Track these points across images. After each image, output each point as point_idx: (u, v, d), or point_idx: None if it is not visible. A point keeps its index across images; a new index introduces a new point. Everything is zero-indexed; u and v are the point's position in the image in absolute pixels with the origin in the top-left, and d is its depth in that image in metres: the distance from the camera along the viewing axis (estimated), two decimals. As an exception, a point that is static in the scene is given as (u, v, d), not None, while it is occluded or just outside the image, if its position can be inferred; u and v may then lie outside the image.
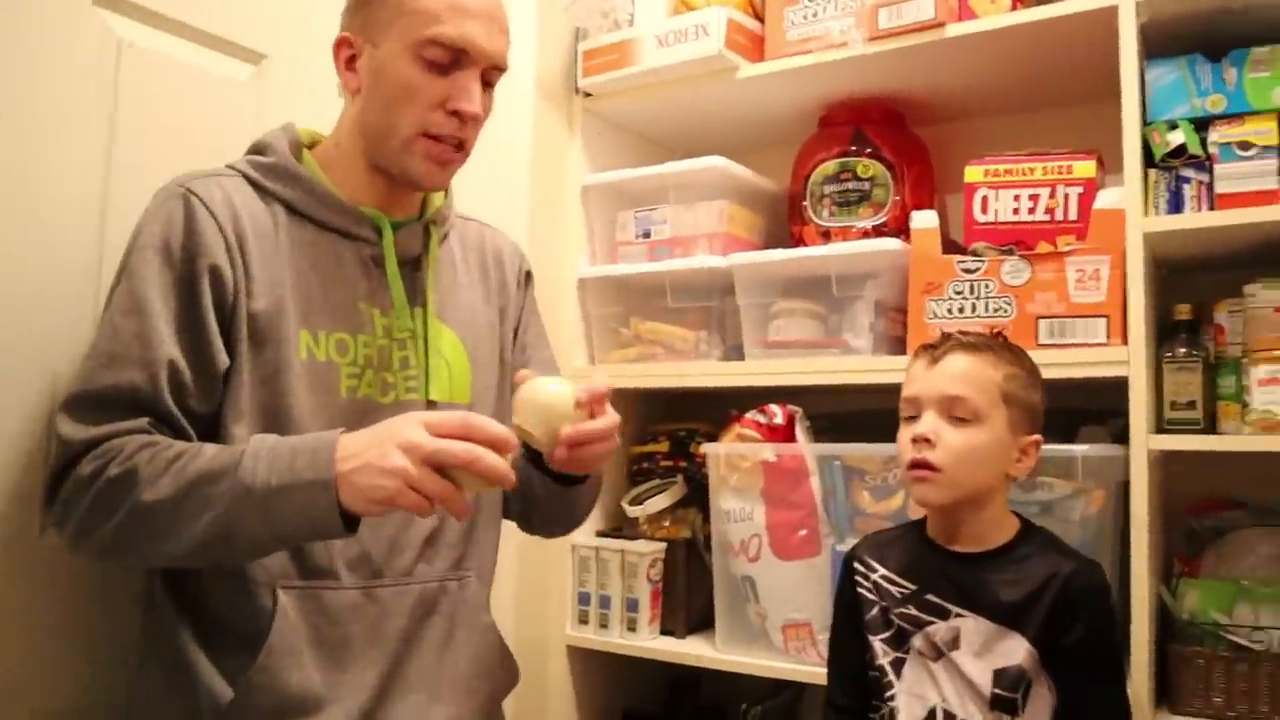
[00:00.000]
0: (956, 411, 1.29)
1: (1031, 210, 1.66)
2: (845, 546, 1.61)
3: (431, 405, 1.24)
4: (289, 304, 1.15)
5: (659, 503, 1.98)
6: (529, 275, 1.46)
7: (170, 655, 1.12)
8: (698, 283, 1.93)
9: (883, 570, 1.37)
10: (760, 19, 1.97)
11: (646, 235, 2.03)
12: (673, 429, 2.11)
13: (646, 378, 1.98)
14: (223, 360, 1.11)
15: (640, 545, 1.93)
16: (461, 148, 1.22)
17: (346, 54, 1.22)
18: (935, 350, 1.34)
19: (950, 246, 1.74)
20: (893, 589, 1.35)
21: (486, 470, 0.98)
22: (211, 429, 1.12)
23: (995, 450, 1.29)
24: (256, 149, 1.25)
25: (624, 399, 2.12)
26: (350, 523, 1.01)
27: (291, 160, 1.22)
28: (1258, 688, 1.43)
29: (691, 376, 1.92)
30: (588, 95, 2.08)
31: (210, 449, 1.05)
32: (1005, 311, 1.63)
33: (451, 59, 1.17)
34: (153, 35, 1.41)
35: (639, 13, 2.07)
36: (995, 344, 1.35)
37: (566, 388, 1.13)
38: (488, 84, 1.22)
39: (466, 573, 1.27)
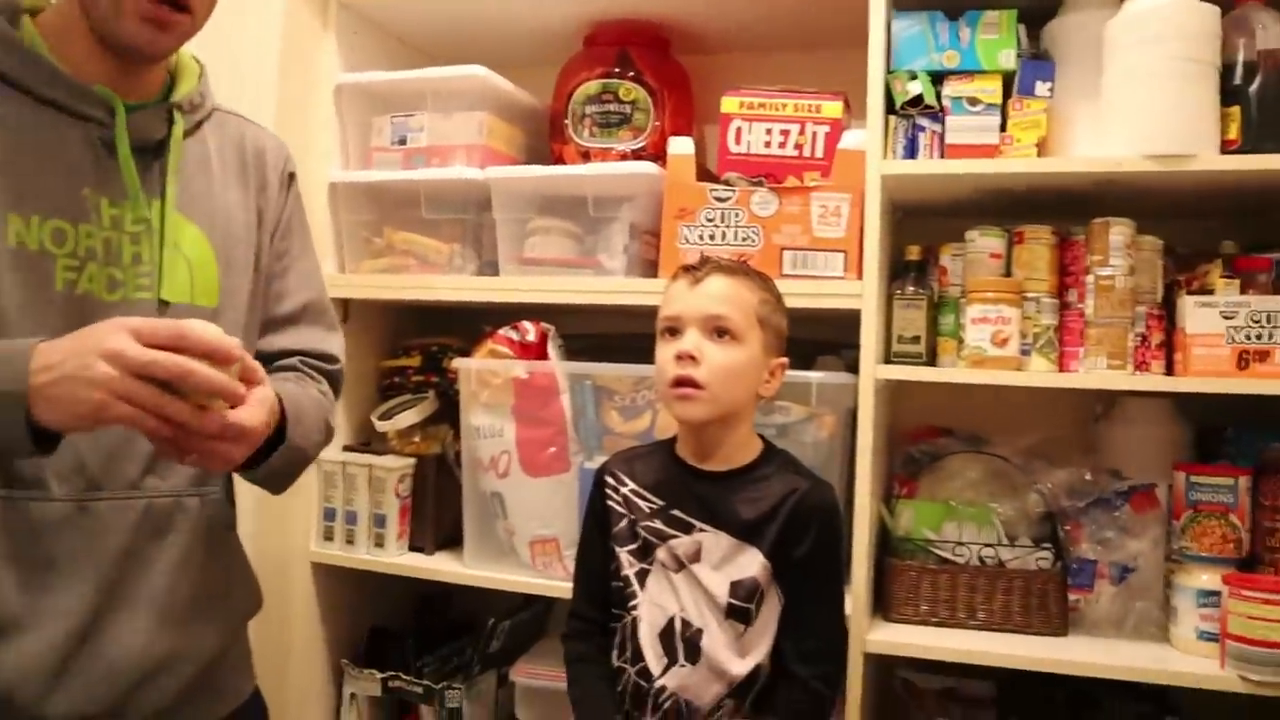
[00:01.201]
0: (719, 329, 1.34)
1: (782, 145, 1.73)
2: (594, 464, 1.65)
3: (164, 306, 1.13)
4: None
5: (409, 418, 1.96)
6: (292, 176, 1.35)
7: None
8: (454, 194, 1.89)
9: (633, 485, 1.42)
10: (528, -74, 1.92)
11: (402, 142, 1.96)
12: (425, 343, 2.07)
13: (398, 289, 1.93)
14: None
15: (389, 460, 1.90)
16: (184, 7, 1.08)
17: None
18: (697, 272, 1.38)
19: (705, 175, 1.79)
20: (641, 503, 1.40)
21: (201, 384, 0.93)
22: None
23: (751, 370, 1.35)
24: None
25: (375, 311, 2.08)
26: (45, 441, 0.93)
27: (5, 25, 1.07)
28: (957, 596, 1.60)
29: (445, 290, 1.89)
30: (344, -11, 1.98)
31: None
32: (753, 241, 1.70)
33: None
34: None
35: (400, -95, 1.98)
36: (749, 269, 1.41)
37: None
38: None
39: (211, 490, 1.19)
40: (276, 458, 1.14)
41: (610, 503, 1.43)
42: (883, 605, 1.65)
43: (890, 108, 1.66)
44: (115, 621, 1.08)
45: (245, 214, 1.25)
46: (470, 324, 1.97)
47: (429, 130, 1.94)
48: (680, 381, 1.33)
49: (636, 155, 1.89)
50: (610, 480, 1.44)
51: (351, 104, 2.00)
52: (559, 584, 1.73)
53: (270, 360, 1.26)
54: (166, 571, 1.13)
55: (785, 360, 1.42)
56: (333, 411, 1.30)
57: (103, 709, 1.07)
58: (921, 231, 1.79)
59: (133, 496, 1.11)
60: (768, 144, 1.74)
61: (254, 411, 1.01)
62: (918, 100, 1.65)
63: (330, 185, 1.96)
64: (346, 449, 1.97)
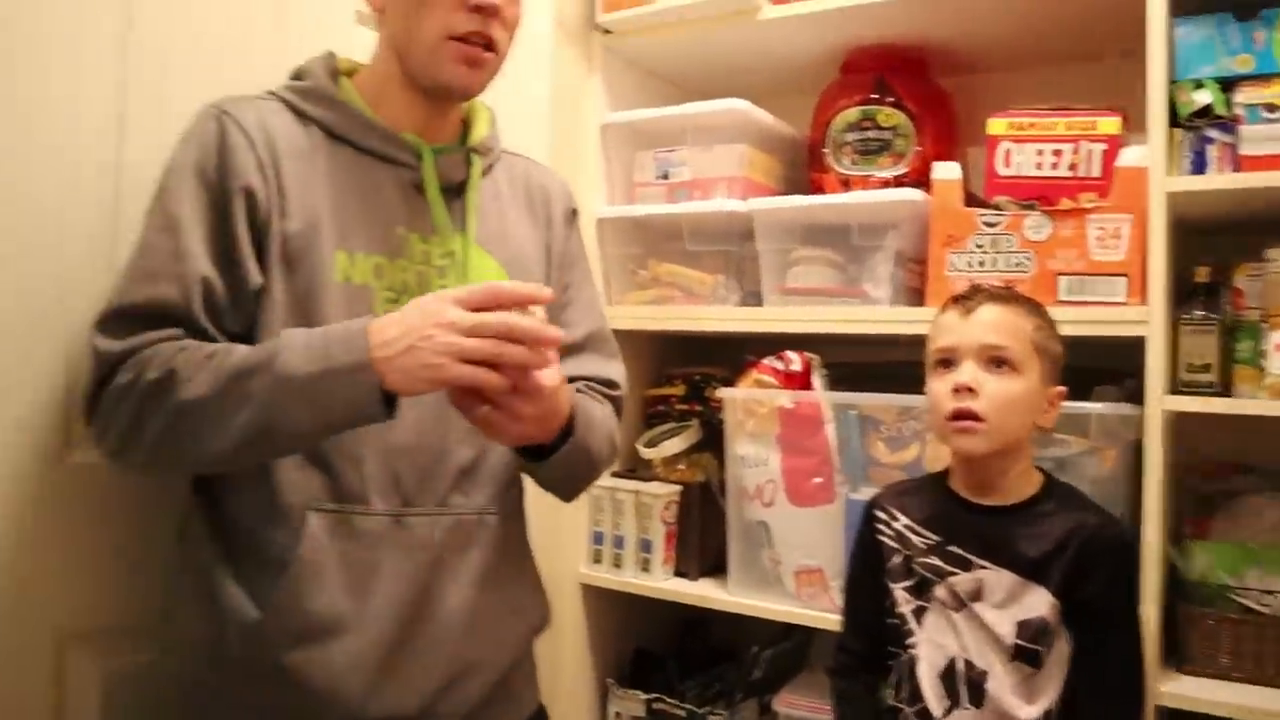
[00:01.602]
0: (997, 360, 1.31)
1: (1054, 166, 1.67)
2: (860, 495, 1.65)
3: None
4: (325, 225, 1.15)
5: (674, 445, 2.01)
6: (574, 213, 1.44)
7: (201, 576, 1.13)
8: (716, 226, 1.94)
9: (905, 520, 1.40)
10: (785, -41, 1.94)
11: (665, 177, 2.02)
12: (689, 373, 2.13)
13: (664, 320, 1.99)
14: (255, 279, 1.12)
15: (655, 487, 1.96)
16: (491, 48, 1.19)
17: None
18: (969, 301, 1.36)
19: (971, 199, 1.74)
20: (915, 539, 1.38)
21: (527, 333, 1.01)
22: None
23: (1030, 400, 1.32)
24: (295, 74, 1.25)
25: (640, 341, 2.14)
26: (390, 406, 1.03)
27: (328, 84, 1.22)
28: (1265, 650, 1.47)
29: (709, 320, 1.93)
30: (607, 32, 2.06)
31: (243, 347, 1.06)
32: (1025, 267, 1.65)
33: None
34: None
35: (660, -50, 2.05)
36: (1021, 296, 1.38)
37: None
38: None
39: (504, 509, 1.27)
40: (565, 452, 1.20)
41: (881, 538, 1.42)
42: (1175, 656, 1.54)
43: (1174, 120, 1.57)
44: (426, 627, 1.17)
45: (535, 248, 1.35)
46: (733, 353, 2.00)
47: (691, 164, 2.00)
48: (959, 415, 1.31)
49: (899, 182, 1.87)
50: (881, 515, 1.43)
51: (616, 142, 2.08)
52: (824, 614, 1.73)
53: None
54: (471, 583, 1.21)
55: (1063, 389, 1.37)
56: (617, 431, 1.37)
57: (414, 709, 1.16)
58: (1209, 250, 1.67)
59: (442, 513, 1.20)
60: (1039, 165, 1.68)
61: (553, 372, 1.07)
62: (1205, 111, 1.55)
63: (597, 220, 2.05)
64: (614, 475, 2.05)
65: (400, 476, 1.17)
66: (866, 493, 1.55)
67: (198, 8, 1.40)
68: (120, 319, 1.08)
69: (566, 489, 1.32)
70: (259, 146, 1.14)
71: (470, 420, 1.08)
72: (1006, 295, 1.37)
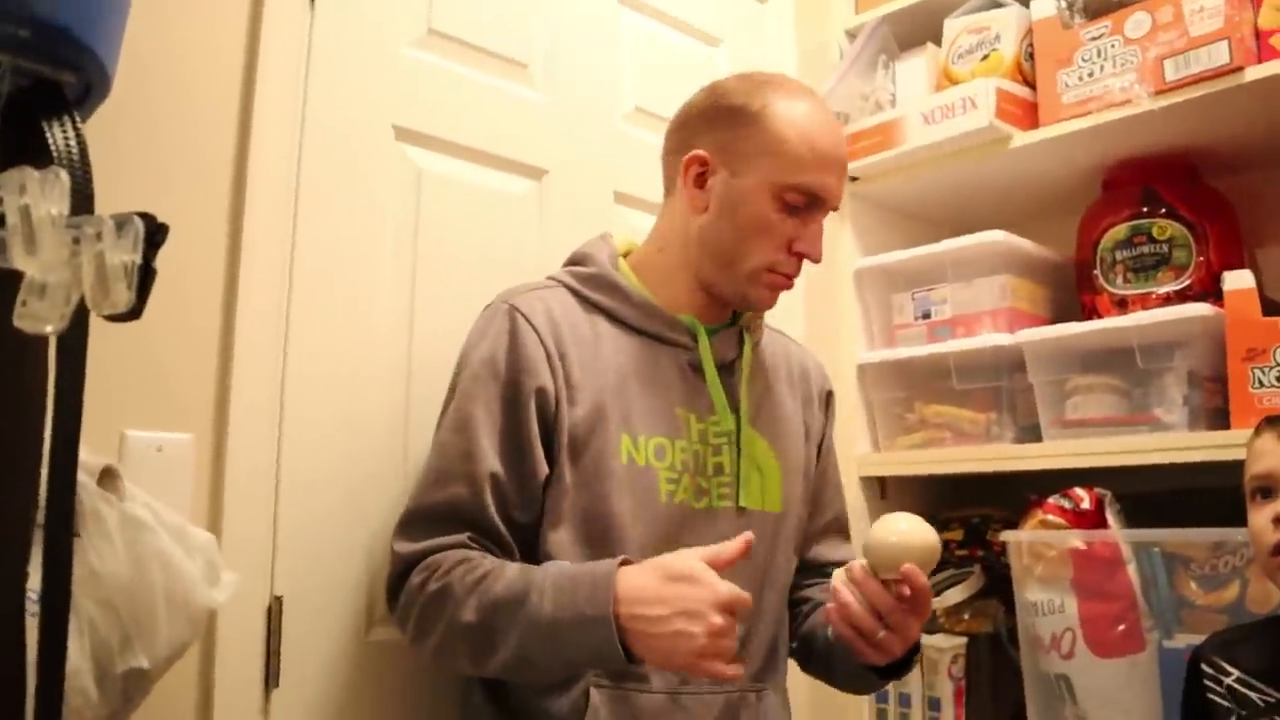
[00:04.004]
0: None
1: (1367, 260, 1.50)
2: (1173, 642, 1.48)
3: (742, 512, 1.25)
4: (609, 409, 1.19)
5: (957, 594, 1.89)
6: (830, 394, 1.47)
7: None
8: (984, 362, 1.86)
9: (1238, 673, 1.24)
10: (1031, 85, 1.90)
11: (926, 316, 1.97)
12: (965, 515, 2.01)
13: (936, 463, 1.91)
14: (543, 471, 1.17)
15: (939, 640, 1.84)
16: (793, 277, 1.26)
17: (697, 170, 1.25)
18: None
19: (1270, 307, 1.59)
20: (1253, 695, 1.21)
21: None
22: (532, 536, 1.17)
23: None
24: (577, 260, 1.32)
25: (911, 485, 2.06)
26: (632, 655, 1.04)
27: (610, 270, 1.27)
28: None
29: (984, 460, 1.83)
30: (854, 179, 2.06)
31: (511, 571, 1.09)
32: (1347, 377, 1.47)
33: (806, 203, 1.21)
34: (447, 162, 1.53)
35: (900, 92, 2.06)
36: None
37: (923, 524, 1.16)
38: None
39: (765, 685, 1.27)
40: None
41: (1212, 695, 1.25)
42: None
43: None
44: None
45: (798, 426, 1.38)
46: (1011, 492, 1.88)
47: (951, 301, 1.94)
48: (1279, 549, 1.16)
49: (1181, 296, 1.73)
50: (1209, 669, 1.27)
51: (871, 285, 2.06)
52: (1147, 780, 1.54)
53: (818, 570, 1.40)
54: None
55: None
56: None
57: None
58: None
59: (714, 691, 1.20)
60: (1347, 263, 1.52)
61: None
62: None
63: (859, 366, 2.01)
64: (895, 628, 1.94)
65: None
66: (1181, 639, 1.39)
67: (470, 205, 1.53)
68: (416, 521, 1.16)
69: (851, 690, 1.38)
70: (546, 339, 1.20)
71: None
72: None
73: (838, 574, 1.19)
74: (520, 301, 1.23)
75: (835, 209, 1.27)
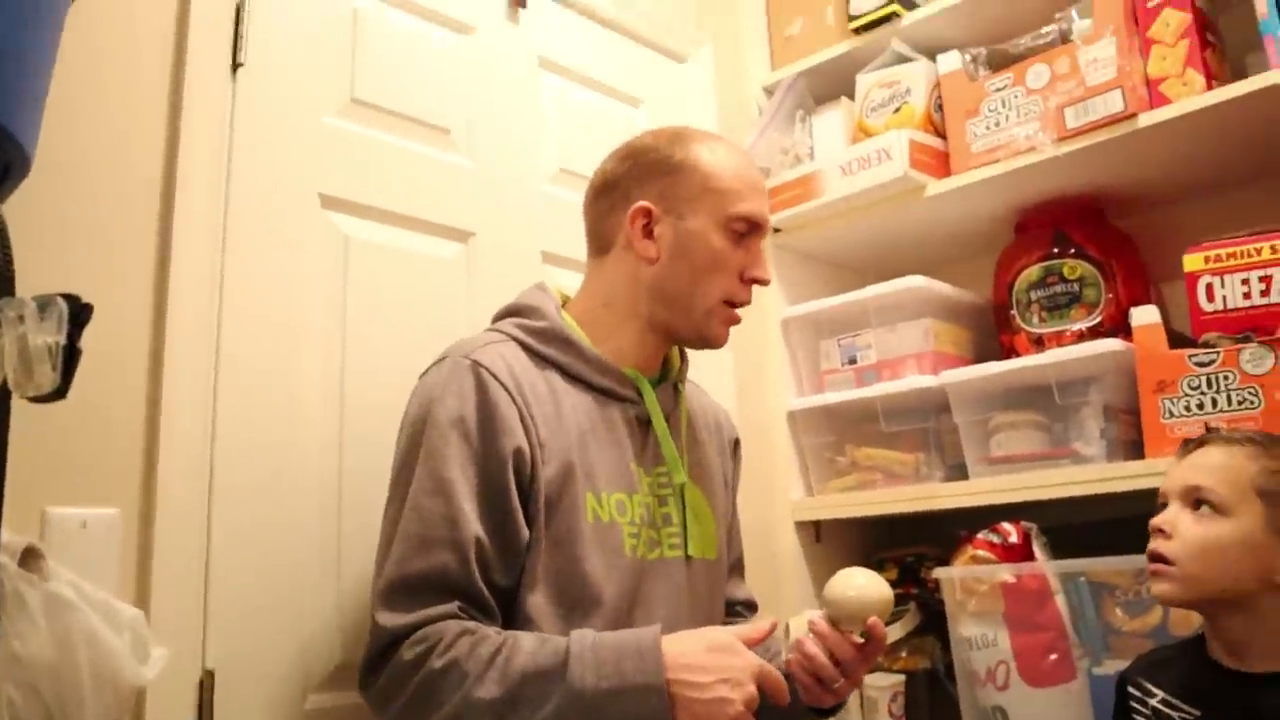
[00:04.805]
0: (1197, 501, 1.20)
1: (1264, 293, 1.57)
2: (1103, 669, 1.52)
3: (689, 562, 1.28)
4: (576, 467, 1.20)
5: (894, 632, 1.91)
6: (738, 443, 1.52)
7: None
8: (910, 404, 1.90)
9: (1161, 694, 1.27)
10: (942, 135, 1.97)
11: (852, 361, 2.02)
12: (900, 555, 2.04)
13: (868, 505, 1.94)
14: (524, 534, 1.16)
15: (879, 678, 1.85)
16: (745, 306, 1.32)
17: (643, 222, 1.28)
18: (1189, 444, 1.27)
19: (1178, 340, 1.65)
20: (1174, 714, 1.25)
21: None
22: (509, 598, 1.16)
23: (1244, 550, 1.18)
24: (520, 311, 1.31)
25: (845, 528, 2.09)
26: None
27: (561, 324, 1.28)
28: None
29: (918, 500, 1.87)
30: (777, 230, 2.11)
31: (526, 642, 1.08)
32: (1252, 403, 1.53)
33: (748, 229, 1.27)
34: (374, 228, 1.54)
35: (818, 145, 2.11)
36: (1264, 439, 1.26)
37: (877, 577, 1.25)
38: None
39: None
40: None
41: (1138, 717, 1.28)
42: None
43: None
44: None
45: (720, 474, 1.42)
46: (942, 530, 1.92)
47: (876, 345, 1.99)
48: (1151, 557, 1.21)
49: (1094, 333, 1.80)
50: (1134, 691, 1.30)
51: (798, 333, 2.10)
52: (1084, 808, 1.56)
53: (728, 609, 1.44)
54: None
55: None
56: None
57: None
58: None
59: None
60: (1247, 295, 1.58)
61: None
62: None
63: (789, 413, 2.04)
64: (835, 671, 1.96)
65: None
66: (1110, 665, 1.42)
67: (397, 270, 1.55)
68: (402, 590, 1.12)
69: None
70: (517, 399, 1.19)
71: None
72: (1239, 438, 1.26)
73: (797, 625, 1.24)
74: (481, 356, 1.20)
75: (766, 233, 1.33)
